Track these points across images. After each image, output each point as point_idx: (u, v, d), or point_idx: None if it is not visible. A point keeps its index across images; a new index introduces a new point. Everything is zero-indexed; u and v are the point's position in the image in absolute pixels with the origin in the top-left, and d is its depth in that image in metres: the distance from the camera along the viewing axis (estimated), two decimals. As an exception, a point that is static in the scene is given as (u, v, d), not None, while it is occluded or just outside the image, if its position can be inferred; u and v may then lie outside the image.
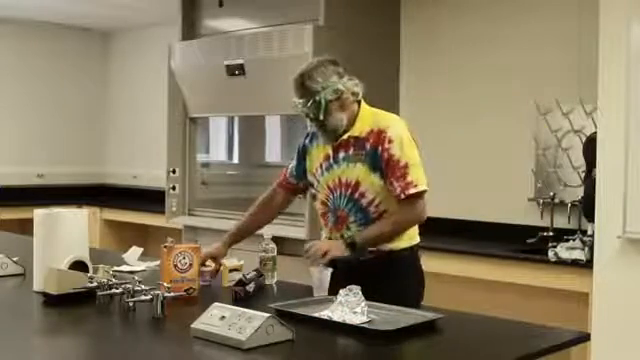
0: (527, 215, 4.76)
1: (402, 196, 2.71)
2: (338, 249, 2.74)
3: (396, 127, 2.77)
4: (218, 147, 6.71)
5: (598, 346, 3.72)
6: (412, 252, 2.88)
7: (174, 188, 5.94)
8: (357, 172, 2.77)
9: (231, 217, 5.60)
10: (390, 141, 2.72)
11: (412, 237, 2.88)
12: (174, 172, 5.94)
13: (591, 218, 4.06)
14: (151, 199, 6.97)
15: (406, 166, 2.71)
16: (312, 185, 2.95)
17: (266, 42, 5.15)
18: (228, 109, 5.86)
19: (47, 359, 2.13)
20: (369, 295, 2.39)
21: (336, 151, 2.83)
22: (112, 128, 8.22)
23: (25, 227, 4.05)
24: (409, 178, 2.71)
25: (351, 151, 2.79)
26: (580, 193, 4.44)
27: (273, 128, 6.33)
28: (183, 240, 5.60)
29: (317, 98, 2.73)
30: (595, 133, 4.05)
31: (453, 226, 5.02)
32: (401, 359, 2.16)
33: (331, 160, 2.85)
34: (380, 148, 2.73)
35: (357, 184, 2.77)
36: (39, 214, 2.78)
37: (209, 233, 5.62)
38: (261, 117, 6.03)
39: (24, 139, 7.66)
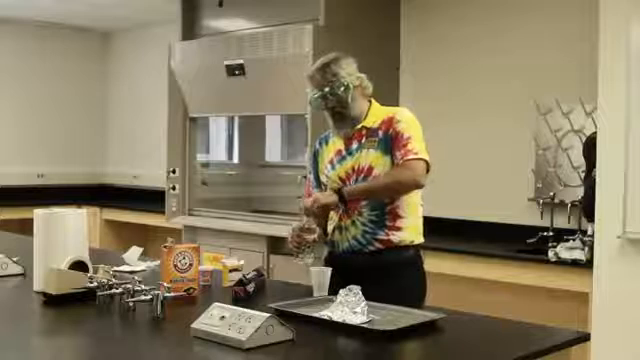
0: (527, 215, 4.76)
1: (400, 161, 2.76)
2: (326, 197, 2.79)
3: (405, 111, 2.88)
4: (218, 147, 6.72)
5: (598, 346, 3.72)
6: (416, 252, 2.88)
7: (174, 188, 5.95)
8: (370, 157, 2.80)
9: (231, 217, 5.62)
10: (398, 121, 2.80)
11: (417, 234, 2.88)
12: (174, 172, 5.94)
13: (591, 218, 4.06)
14: (151, 199, 6.97)
15: (409, 138, 2.77)
16: (324, 185, 2.95)
17: (266, 42, 5.15)
18: (228, 109, 5.86)
19: (47, 359, 2.13)
20: (370, 295, 2.39)
21: (349, 143, 2.87)
22: (112, 128, 8.22)
23: (25, 227, 4.04)
24: (409, 147, 2.76)
25: (364, 140, 2.84)
26: (580, 193, 4.44)
27: (273, 128, 6.34)
28: (183, 240, 5.60)
29: (345, 82, 2.81)
30: (595, 133, 4.05)
31: (453, 226, 5.02)
32: (401, 359, 2.16)
33: (344, 152, 2.88)
34: (391, 130, 2.79)
35: (370, 169, 2.80)
36: (39, 214, 2.77)
37: (209, 233, 5.63)
38: (261, 117, 6.04)
39: (24, 139, 7.66)
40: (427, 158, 2.77)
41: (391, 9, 5.46)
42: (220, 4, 5.69)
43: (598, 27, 3.89)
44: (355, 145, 2.85)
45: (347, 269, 2.72)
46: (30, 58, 7.68)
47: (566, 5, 4.67)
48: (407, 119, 2.82)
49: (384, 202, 2.80)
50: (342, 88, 2.81)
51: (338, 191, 2.78)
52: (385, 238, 2.80)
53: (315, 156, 3.03)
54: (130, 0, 6.54)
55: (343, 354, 2.23)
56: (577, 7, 4.55)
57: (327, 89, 2.81)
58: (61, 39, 7.85)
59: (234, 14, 5.78)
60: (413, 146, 2.76)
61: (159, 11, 6.69)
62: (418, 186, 2.80)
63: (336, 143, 2.92)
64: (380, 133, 2.82)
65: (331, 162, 2.91)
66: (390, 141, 2.78)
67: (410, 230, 2.84)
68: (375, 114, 2.87)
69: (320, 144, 3.02)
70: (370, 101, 2.91)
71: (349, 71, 2.84)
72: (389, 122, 2.81)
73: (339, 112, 2.84)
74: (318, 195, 2.83)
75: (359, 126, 2.85)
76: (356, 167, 2.83)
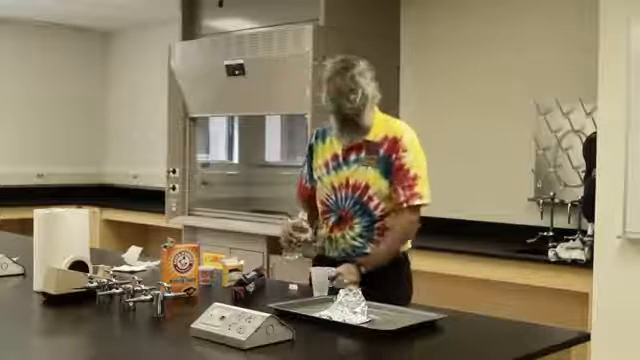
0: (527, 215, 4.76)
1: (405, 205, 2.74)
2: (356, 278, 2.71)
3: (410, 137, 2.80)
4: (218, 147, 6.72)
5: (598, 346, 3.72)
6: (406, 257, 2.90)
7: (174, 188, 5.94)
8: (368, 176, 2.78)
9: (231, 217, 5.62)
10: (404, 150, 2.76)
11: (407, 242, 2.90)
12: (174, 172, 5.94)
13: (591, 218, 4.06)
14: (151, 199, 6.97)
15: (415, 177, 2.75)
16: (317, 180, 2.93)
17: (266, 42, 5.15)
18: (228, 109, 5.86)
19: (47, 359, 2.13)
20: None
21: (347, 153, 2.82)
22: (112, 128, 8.22)
23: (25, 227, 4.04)
24: (416, 189, 2.74)
25: (363, 154, 2.79)
26: (580, 193, 4.43)
27: (273, 128, 6.34)
28: (183, 240, 5.60)
29: (365, 91, 2.73)
30: (595, 133, 4.05)
31: (453, 226, 5.02)
32: (401, 359, 2.16)
33: (340, 160, 2.84)
34: (394, 156, 2.76)
35: (366, 187, 2.78)
36: (39, 214, 2.77)
37: (209, 233, 5.63)
38: (261, 117, 6.03)
39: (24, 139, 7.66)
40: (429, 199, 2.78)
41: (391, 9, 5.46)
42: (220, 4, 5.70)
43: (598, 27, 3.89)
44: (353, 157, 2.81)
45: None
46: (30, 58, 7.68)
47: (566, 5, 4.67)
48: (413, 149, 2.77)
49: (374, 218, 2.80)
50: (361, 96, 2.73)
51: (359, 266, 2.73)
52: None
53: (310, 150, 2.98)
54: (130, 0, 6.54)
55: (343, 354, 2.23)
56: (577, 7, 4.55)
57: (345, 95, 2.72)
58: (61, 39, 7.85)
59: (234, 14, 5.78)
60: (420, 189, 2.75)
61: (159, 11, 6.70)
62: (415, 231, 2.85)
63: (334, 144, 2.87)
64: (381, 151, 2.77)
65: (327, 165, 2.88)
66: (391, 166, 2.75)
67: None
68: (378, 126, 2.81)
69: (316, 139, 2.96)
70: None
71: (367, 80, 2.77)
72: (393, 144, 2.76)
73: (352, 120, 2.76)
74: (351, 278, 2.70)
75: (360, 140, 2.79)
76: (352, 181, 2.80)
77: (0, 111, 7.53)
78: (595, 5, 3.93)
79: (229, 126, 6.54)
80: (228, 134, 6.62)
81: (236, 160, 6.63)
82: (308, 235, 2.81)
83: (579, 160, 4.49)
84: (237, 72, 5.31)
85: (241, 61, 5.28)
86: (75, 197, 7.27)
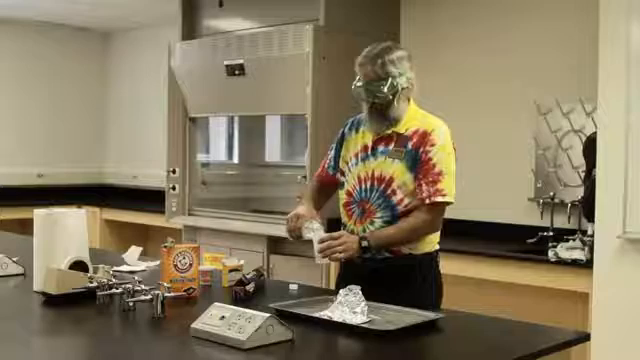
0: (527, 215, 4.76)
1: (427, 201, 2.67)
2: (352, 250, 2.64)
3: (441, 132, 2.74)
4: (218, 147, 6.72)
5: (598, 346, 3.72)
6: (432, 258, 2.82)
7: (174, 188, 5.95)
8: (393, 168, 2.71)
9: (231, 217, 5.62)
10: (432, 144, 2.69)
11: (433, 243, 2.82)
12: (174, 172, 5.94)
13: (591, 218, 4.06)
14: (151, 199, 6.97)
15: (440, 173, 2.68)
16: (342, 173, 2.86)
17: (266, 42, 5.15)
18: (228, 109, 5.86)
19: (47, 359, 2.13)
20: (386, 298, 2.41)
21: (376, 144, 2.76)
22: (112, 128, 8.22)
23: (25, 227, 4.05)
24: (440, 185, 2.67)
25: (392, 146, 2.73)
26: (580, 193, 4.43)
27: (273, 128, 6.34)
28: (183, 240, 5.60)
29: (395, 83, 2.67)
30: (595, 133, 4.05)
31: (453, 226, 5.00)
32: (401, 359, 2.16)
33: (369, 152, 2.77)
34: (421, 149, 2.69)
35: (391, 180, 2.70)
36: (39, 214, 2.78)
37: (209, 233, 5.63)
38: (261, 117, 6.04)
39: (24, 139, 7.66)
40: (453, 199, 2.71)
41: (391, 9, 5.46)
42: (220, 4, 5.70)
43: (598, 27, 3.89)
44: (381, 148, 2.74)
45: (359, 273, 2.65)
46: (30, 58, 7.68)
47: (566, 5, 4.67)
48: (442, 144, 2.70)
49: (396, 213, 2.72)
50: (390, 88, 2.67)
51: (365, 247, 2.65)
52: (394, 249, 2.73)
53: (342, 139, 2.89)
54: (130, 0, 6.54)
55: (343, 354, 2.23)
56: (577, 7, 4.55)
57: (375, 84, 2.68)
58: (61, 39, 7.85)
59: (234, 14, 5.78)
60: (444, 185, 2.68)
61: (159, 11, 6.70)
62: (436, 232, 2.78)
63: (365, 135, 2.80)
64: (409, 145, 2.70)
65: (356, 156, 2.81)
66: (418, 160, 2.68)
67: (420, 243, 2.76)
68: (410, 119, 2.75)
69: (350, 129, 2.88)
70: (408, 99, 2.78)
71: (401, 70, 2.70)
72: (422, 138, 2.70)
73: (379, 109, 2.71)
74: (344, 248, 2.62)
75: (389, 131, 2.74)
76: (377, 173, 2.73)
77: (0, 111, 7.54)
78: (595, 5, 3.93)
79: (229, 126, 6.55)
80: (228, 134, 6.62)
81: (236, 160, 6.63)
82: (316, 226, 2.70)
83: (579, 160, 4.49)
84: (237, 72, 5.31)
85: (241, 61, 5.28)
86: (75, 197, 7.27)
